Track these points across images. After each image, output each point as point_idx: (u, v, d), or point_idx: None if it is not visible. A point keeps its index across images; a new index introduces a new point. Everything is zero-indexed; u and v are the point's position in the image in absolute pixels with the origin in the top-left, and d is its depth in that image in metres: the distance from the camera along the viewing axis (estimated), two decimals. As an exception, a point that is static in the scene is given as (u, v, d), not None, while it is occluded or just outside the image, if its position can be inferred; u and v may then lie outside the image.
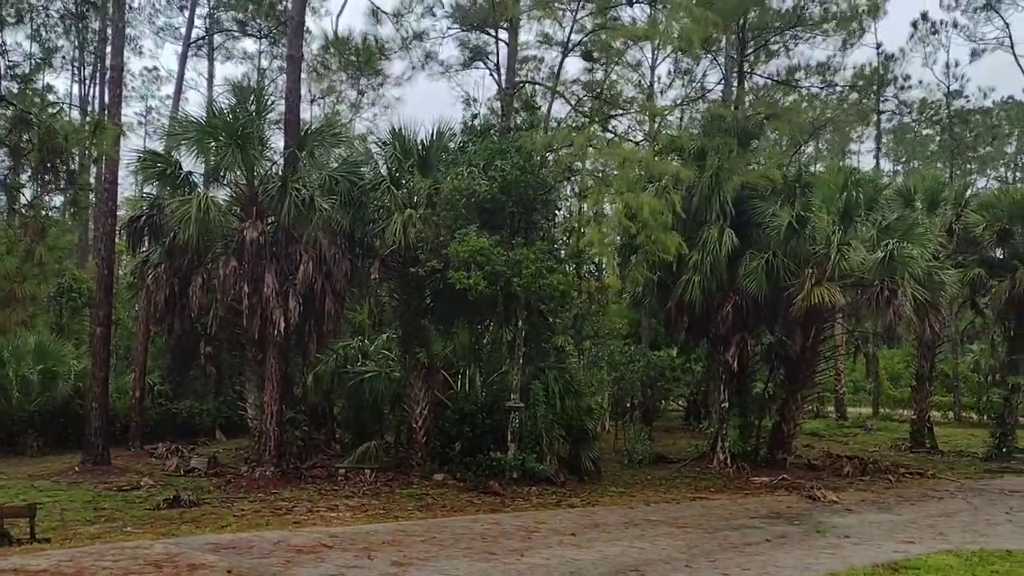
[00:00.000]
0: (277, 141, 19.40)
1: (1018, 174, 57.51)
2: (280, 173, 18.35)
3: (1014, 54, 42.29)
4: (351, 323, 24.55)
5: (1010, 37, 42.91)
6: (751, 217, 21.49)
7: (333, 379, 21.86)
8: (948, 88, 49.34)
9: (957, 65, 48.24)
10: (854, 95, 41.98)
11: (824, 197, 21.66)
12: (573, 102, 22.21)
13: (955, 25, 45.87)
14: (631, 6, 21.76)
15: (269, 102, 19.29)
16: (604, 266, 29.53)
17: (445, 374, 19.77)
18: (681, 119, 32.72)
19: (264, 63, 41.55)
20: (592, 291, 27.76)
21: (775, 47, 33.95)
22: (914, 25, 46.30)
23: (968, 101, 51.26)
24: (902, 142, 60.07)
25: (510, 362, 18.35)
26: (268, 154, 19.08)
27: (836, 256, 19.60)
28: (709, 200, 21.11)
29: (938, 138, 54.78)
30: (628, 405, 27.37)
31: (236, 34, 38.41)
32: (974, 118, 52.73)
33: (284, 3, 33.24)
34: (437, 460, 18.45)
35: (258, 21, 36.70)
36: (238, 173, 18.36)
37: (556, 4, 21.07)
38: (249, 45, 42.32)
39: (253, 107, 18.63)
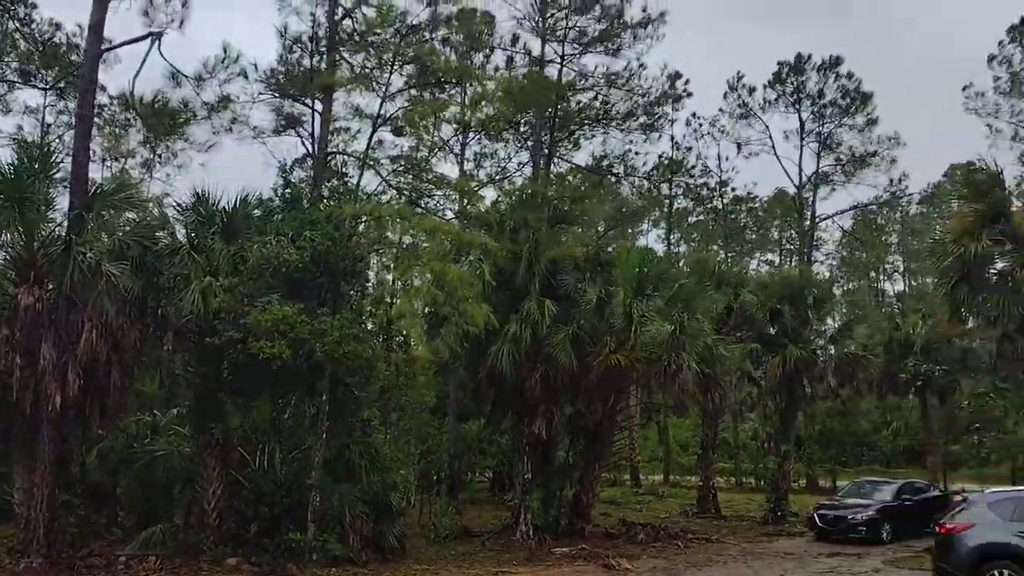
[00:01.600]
0: (64, 202, 18.03)
1: (785, 257, 63.96)
2: (64, 236, 17.00)
3: (775, 153, 47.98)
4: (140, 396, 22.84)
5: (771, 138, 48.50)
6: (562, 291, 22.39)
7: (119, 457, 20.16)
8: (721, 178, 54.42)
9: (728, 159, 52.97)
10: (649, 183, 45.35)
11: (622, 274, 23.04)
12: (384, 174, 22.52)
13: (721, 131, 50.90)
14: (441, 89, 22.52)
15: (56, 160, 17.94)
16: (413, 338, 29.58)
17: (242, 451, 18.80)
18: (496, 198, 33.99)
19: (50, 118, 38.57)
20: (400, 363, 27.65)
21: (584, 137, 36.46)
22: (687, 123, 50.68)
23: (740, 190, 57.07)
24: (690, 226, 65.27)
25: (313, 437, 17.80)
26: (53, 215, 17.67)
27: (632, 329, 20.75)
28: (526, 274, 21.81)
29: (714, 224, 60.04)
30: (435, 478, 27.21)
31: (19, 84, 35.53)
32: (746, 207, 58.66)
33: (78, 54, 31.30)
34: (231, 543, 17.34)
35: (44, 72, 34.24)
36: (16, 235, 16.83)
37: (370, 78, 21.40)
38: (33, 97, 39.25)
39: (37, 165, 17.24)
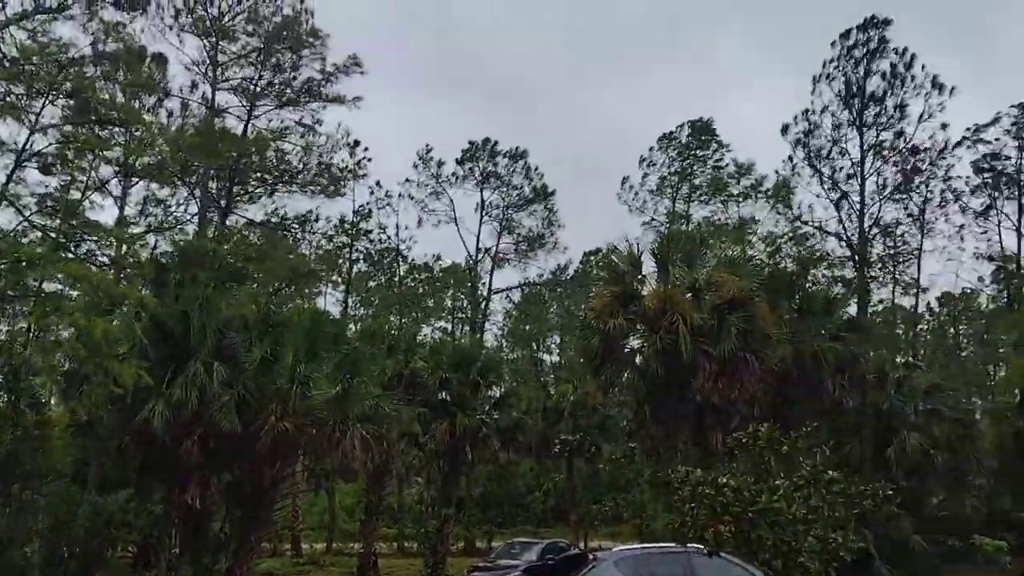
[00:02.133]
0: None
1: (458, 325, 67.17)
2: None
3: (457, 227, 50.80)
4: None
5: (454, 210, 51.37)
6: (229, 352, 21.27)
7: None
8: (399, 246, 56.25)
9: (406, 228, 55.02)
10: (329, 243, 45.45)
11: (293, 336, 22.52)
12: (26, 213, 19.96)
13: (411, 197, 52.93)
14: (103, 128, 20.70)
15: None
16: (49, 396, 26.34)
17: None
18: (155, 248, 31.63)
19: None
20: (31, 424, 24.37)
21: (264, 193, 35.62)
22: (370, 190, 52.05)
23: (421, 258, 59.40)
24: (369, 290, 65.98)
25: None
26: None
27: (297, 391, 20.31)
28: (197, 332, 20.44)
29: (391, 289, 61.59)
30: (66, 556, 24.10)
31: None
32: (423, 275, 61.07)
33: None
34: None
35: None
36: None
37: (17, 107, 18.99)
38: None
39: None
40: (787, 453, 15.56)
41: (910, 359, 41.50)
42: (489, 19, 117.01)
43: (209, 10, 32.47)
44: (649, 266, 25.48)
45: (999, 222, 43.37)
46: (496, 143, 51.60)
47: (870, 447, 30.72)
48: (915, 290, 47.00)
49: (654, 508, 18.59)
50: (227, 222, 33.33)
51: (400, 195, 52.97)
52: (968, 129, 43.07)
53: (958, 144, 42.27)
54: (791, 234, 43.53)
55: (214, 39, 32.30)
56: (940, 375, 46.85)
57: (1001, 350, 51.19)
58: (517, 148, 51.53)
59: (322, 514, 45.82)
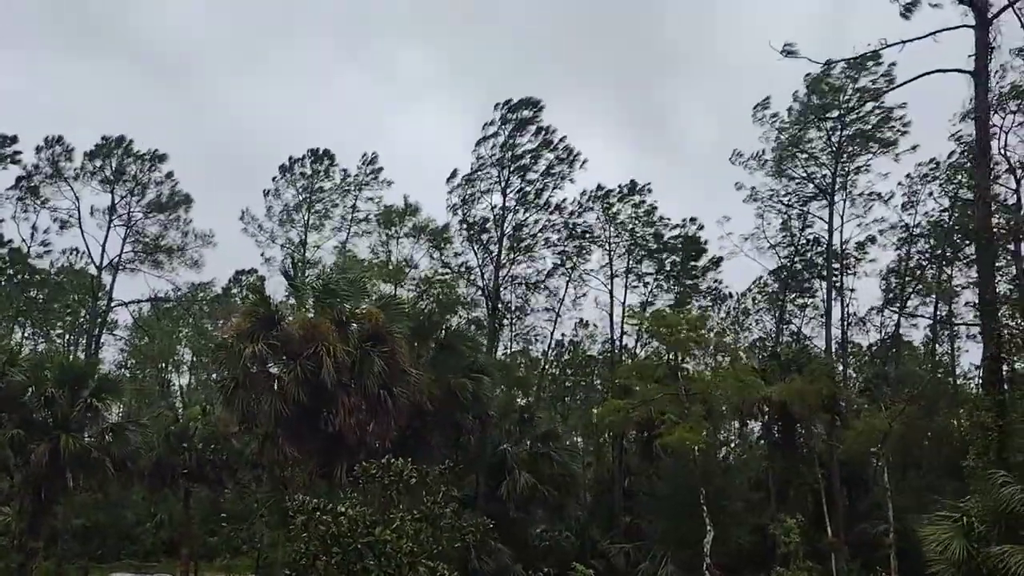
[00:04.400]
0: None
1: (75, 336, 60.06)
2: None
3: (81, 228, 45.79)
4: None
5: (79, 211, 46.39)
6: None
7: None
8: (29, 249, 49.63)
9: (36, 229, 48.43)
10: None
11: None
12: None
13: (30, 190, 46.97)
14: None
15: None
16: None
17: None
18: None
19: None
20: None
21: None
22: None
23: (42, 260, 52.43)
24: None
25: None
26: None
27: None
28: None
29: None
30: None
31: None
32: (38, 278, 53.96)
33: None
34: None
35: None
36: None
37: None
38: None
39: None
40: (415, 486, 16.22)
41: (529, 401, 45.65)
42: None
43: None
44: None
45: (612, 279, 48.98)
46: (131, 141, 47.28)
47: (488, 482, 33.25)
48: (536, 337, 52.55)
49: (274, 539, 18.18)
50: None
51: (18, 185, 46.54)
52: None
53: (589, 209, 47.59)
54: (442, 277, 45.85)
55: None
56: (553, 418, 52.28)
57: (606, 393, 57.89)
58: (155, 151, 47.57)
59: None
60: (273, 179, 50.70)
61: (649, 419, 33.62)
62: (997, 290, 23.04)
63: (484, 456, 33.55)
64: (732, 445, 49.69)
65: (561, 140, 44.17)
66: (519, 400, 40.68)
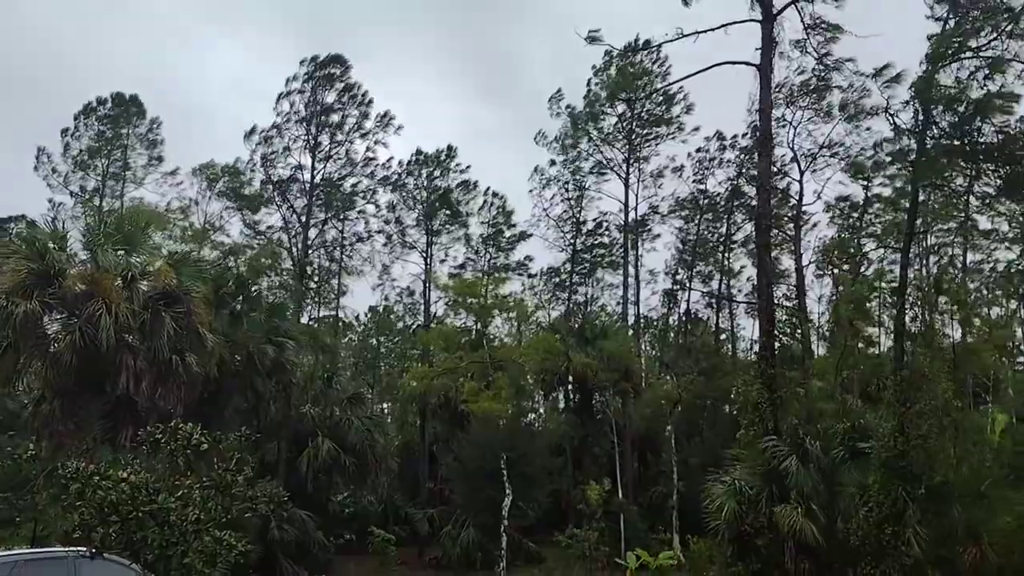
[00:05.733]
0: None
1: None
2: None
3: None
4: None
5: None
6: None
7: None
8: None
9: None
10: None
11: None
12: None
13: None
14: None
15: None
16: None
17: None
18: None
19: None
20: None
21: None
22: None
23: None
24: None
25: None
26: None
27: None
28: None
29: None
30: None
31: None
32: None
33: None
34: None
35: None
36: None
37: None
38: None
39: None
40: (206, 453, 15.36)
41: (337, 367, 44.76)
42: None
43: None
44: (79, 246, 23.16)
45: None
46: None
47: (290, 449, 32.33)
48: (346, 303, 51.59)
49: (55, 509, 16.64)
50: None
51: None
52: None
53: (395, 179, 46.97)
54: (251, 240, 43.79)
55: None
56: (360, 385, 51.58)
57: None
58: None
59: None
60: (74, 118, 46.00)
61: (455, 387, 33.96)
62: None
63: (287, 423, 32.62)
64: (538, 413, 51.24)
65: (370, 101, 43.72)
66: (326, 366, 39.71)
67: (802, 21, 21.20)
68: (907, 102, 21.65)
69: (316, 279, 47.77)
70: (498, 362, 33.27)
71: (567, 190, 47.66)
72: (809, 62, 23.61)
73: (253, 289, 35.30)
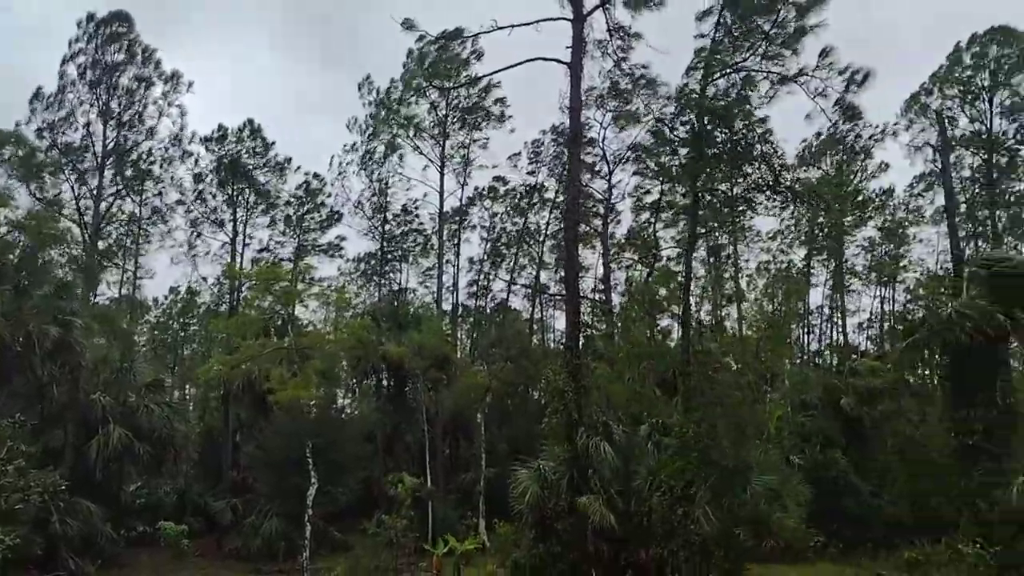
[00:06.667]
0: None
1: None
2: None
3: None
4: None
5: None
6: None
7: None
8: None
9: None
10: None
11: None
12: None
13: None
14: None
15: None
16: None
17: None
18: None
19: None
20: None
21: None
22: None
23: None
24: None
25: None
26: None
27: None
28: None
29: None
30: None
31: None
32: None
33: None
34: None
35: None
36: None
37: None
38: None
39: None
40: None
41: (133, 351, 41.81)
42: None
43: None
44: None
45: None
46: None
47: (77, 436, 29.99)
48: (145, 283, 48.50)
49: None
50: None
51: None
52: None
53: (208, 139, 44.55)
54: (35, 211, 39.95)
55: None
56: (159, 371, 48.59)
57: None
58: None
59: None
60: None
61: (259, 374, 32.80)
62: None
63: (74, 407, 30.22)
64: (352, 400, 50.54)
65: (159, 62, 41.51)
66: (120, 350, 37.00)
67: (607, 25, 22.08)
68: (676, 113, 23.70)
69: (110, 256, 44.45)
70: (306, 349, 32.38)
71: (372, 179, 47.50)
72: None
73: (37, 265, 32.31)
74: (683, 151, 24.69)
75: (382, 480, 33.46)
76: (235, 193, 44.47)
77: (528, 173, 48.42)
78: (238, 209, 44.80)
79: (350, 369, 41.39)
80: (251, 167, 44.61)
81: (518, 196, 49.51)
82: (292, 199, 46.78)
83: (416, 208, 48.97)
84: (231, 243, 44.45)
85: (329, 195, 47.63)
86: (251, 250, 45.81)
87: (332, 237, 48.67)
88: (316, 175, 47.23)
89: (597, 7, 21.67)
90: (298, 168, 46.30)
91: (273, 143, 45.22)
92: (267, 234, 46.52)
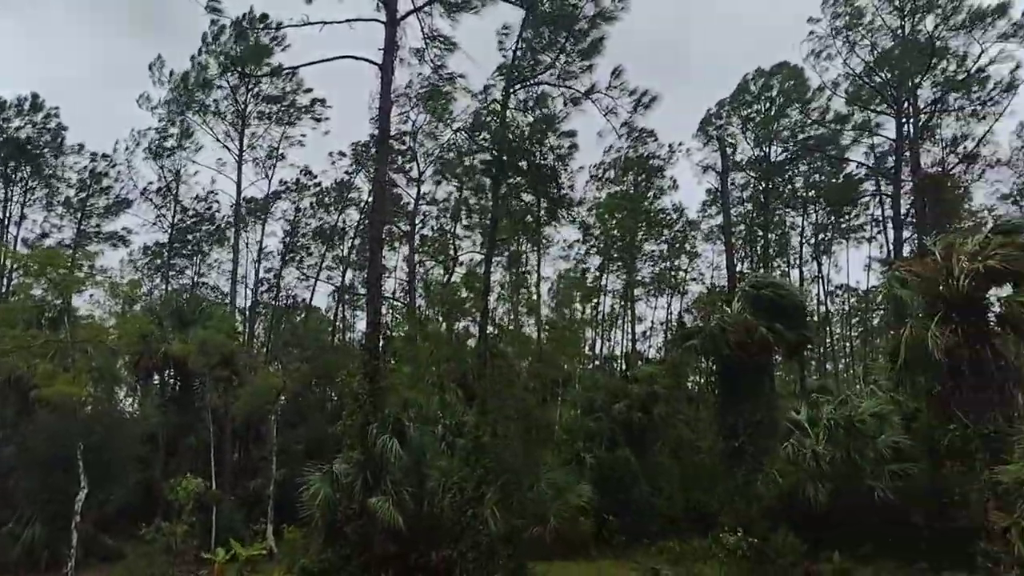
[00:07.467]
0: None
1: None
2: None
3: None
4: None
5: None
6: None
7: None
8: None
9: None
10: None
11: None
12: None
13: None
14: None
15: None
16: None
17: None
18: None
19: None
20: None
21: None
22: None
23: None
24: None
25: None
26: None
27: None
28: None
29: None
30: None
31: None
32: None
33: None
34: None
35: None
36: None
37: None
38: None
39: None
40: None
41: None
42: None
43: None
44: None
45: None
46: None
47: None
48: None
49: None
50: None
51: None
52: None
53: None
54: None
55: None
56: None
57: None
58: None
59: None
60: None
61: (27, 369, 29.90)
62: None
63: None
64: (132, 398, 47.26)
65: None
66: None
67: (422, 31, 22.35)
68: (475, 126, 24.52)
69: None
70: (83, 343, 29.86)
71: (163, 167, 44.94)
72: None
73: None
74: (483, 166, 25.35)
75: (163, 483, 31.53)
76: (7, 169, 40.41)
77: (347, 173, 47.65)
78: (11, 185, 40.78)
79: (131, 366, 38.70)
80: (29, 145, 40.67)
81: (323, 193, 48.51)
82: (76, 181, 43.15)
83: (209, 199, 46.67)
84: (1, 223, 40.38)
85: (116, 179, 44.37)
86: (27, 231, 41.88)
87: (118, 227, 45.41)
88: (105, 155, 43.84)
89: (412, 12, 21.84)
90: (80, 148, 42.78)
91: (55, 114, 41.53)
92: (42, 216, 42.65)
